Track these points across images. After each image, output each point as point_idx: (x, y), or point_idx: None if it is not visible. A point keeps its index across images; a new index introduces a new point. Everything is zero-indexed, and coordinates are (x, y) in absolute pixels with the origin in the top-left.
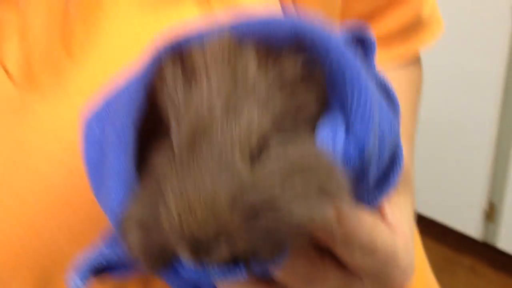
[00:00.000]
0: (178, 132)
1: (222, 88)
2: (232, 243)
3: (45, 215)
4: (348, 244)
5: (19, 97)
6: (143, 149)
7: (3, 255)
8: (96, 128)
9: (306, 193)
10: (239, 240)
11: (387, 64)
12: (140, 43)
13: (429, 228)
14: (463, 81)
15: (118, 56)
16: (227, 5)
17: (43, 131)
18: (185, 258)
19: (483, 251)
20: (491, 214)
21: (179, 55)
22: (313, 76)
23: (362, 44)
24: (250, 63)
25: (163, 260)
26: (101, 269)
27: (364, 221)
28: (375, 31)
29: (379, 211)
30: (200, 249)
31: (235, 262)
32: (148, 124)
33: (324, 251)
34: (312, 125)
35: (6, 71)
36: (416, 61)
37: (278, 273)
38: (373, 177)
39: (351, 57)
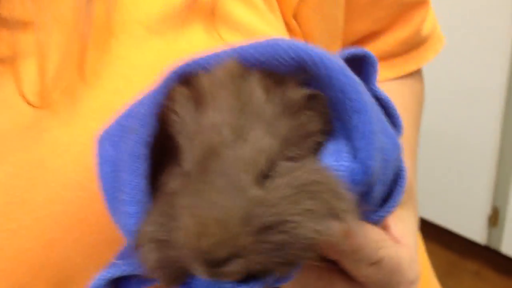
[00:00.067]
0: (188, 153)
1: (229, 112)
2: (245, 259)
3: (60, 232)
4: (355, 257)
5: (34, 117)
6: (154, 167)
7: (19, 269)
8: (109, 147)
9: (314, 211)
10: (252, 256)
11: (389, 79)
12: (150, 67)
13: (433, 233)
14: (466, 88)
15: (129, 80)
16: (234, 29)
17: (58, 152)
18: (200, 274)
19: (487, 256)
20: (495, 219)
21: (187, 79)
22: (317, 99)
23: (364, 62)
24: (255, 87)
25: (178, 275)
26: (116, 283)
27: (370, 235)
28: (376, 48)
29: (384, 225)
30: (214, 265)
31: (248, 277)
32: (159, 143)
33: (330, 263)
34: (317, 147)
35: (22, 93)
36: (417, 75)
37: (287, 286)
38: (378, 194)
39: (354, 82)
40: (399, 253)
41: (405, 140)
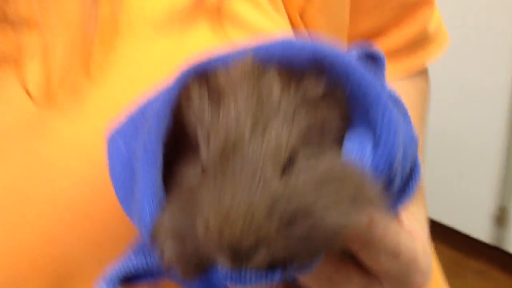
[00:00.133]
0: (208, 147)
1: (249, 107)
2: (270, 250)
3: (62, 226)
4: (376, 249)
5: (38, 114)
6: (169, 163)
7: (20, 263)
8: (121, 144)
9: (339, 201)
10: (277, 247)
11: (394, 76)
12: (155, 66)
13: (439, 232)
14: (472, 87)
15: (135, 78)
16: (240, 28)
17: (62, 147)
18: (224, 265)
19: (493, 255)
20: (501, 218)
21: (204, 77)
22: (334, 95)
23: (372, 60)
24: (274, 83)
25: (197, 268)
26: (128, 278)
27: (390, 227)
28: (382, 46)
29: (397, 218)
30: (239, 256)
31: (271, 267)
32: (173, 139)
33: (346, 256)
34: (337, 140)
35: (27, 92)
36: (423, 73)
37: (303, 278)
38: (396, 186)
39: (370, 78)
40: (415, 246)
41: None
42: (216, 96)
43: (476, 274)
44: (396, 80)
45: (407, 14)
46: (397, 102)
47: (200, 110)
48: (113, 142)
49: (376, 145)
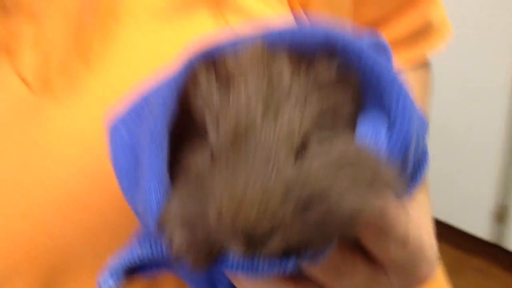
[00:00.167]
0: (217, 132)
1: (259, 91)
2: (285, 236)
3: (57, 215)
4: (385, 236)
5: (34, 102)
6: (173, 151)
7: (14, 254)
8: (125, 133)
9: (354, 186)
10: (292, 233)
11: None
12: (155, 53)
13: (438, 229)
14: (472, 84)
15: (133, 65)
16: (240, 15)
17: (58, 135)
18: (237, 252)
19: (493, 253)
20: (501, 215)
21: (211, 62)
22: (346, 79)
23: (380, 50)
24: (284, 67)
25: (208, 257)
26: (132, 269)
27: (400, 214)
28: (384, 36)
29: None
30: (253, 242)
31: (284, 255)
32: (177, 127)
33: (353, 245)
34: (349, 124)
35: (23, 79)
36: (425, 65)
37: (310, 267)
38: (408, 173)
39: (383, 62)
40: (422, 235)
41: None
42: (224, 81)
43: (476, 272)
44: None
45: (410, 4)
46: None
47: (208, 95)
48: (115, 131)
49: (390, 129)
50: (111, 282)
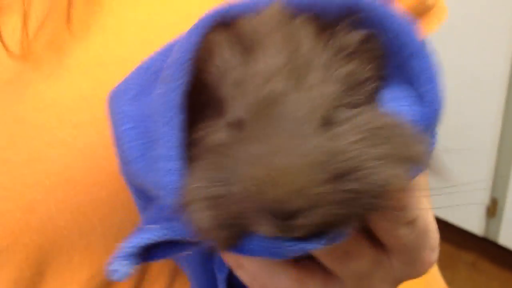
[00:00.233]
0: (238, 102)
1: (282, 57)
2: (318, 213)
3: (42, 193)
4: (398, 213)
5: (17, 71)
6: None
7: None
8: (128, 103)
9: (389, 155)
10: (325, 209)
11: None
12: (141, 21)
13: None
14: (467, 78)
15: (119, 33)
16: None
17: (42, 107)
18: (265, 229)
19: (484, 247)
20: (493, 210)
21: (226, 25)
22: (369, 44)
23: None
24: (306, 31)
25: (234, 236)
26: (145, 252)
27: (415, 193)
28: None
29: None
30: (285, 218)
31: (313, 235)
32: (188, 97)
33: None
34: (373, 92)
35: (4, 45)
36: None
37: (319, 251)
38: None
39: (407, 25)
40: (429, 218)
41: None
42: (243, 46)
43: (468, 266)
44: None
45: None
46: None
47: (225, 61)
48: (117, 102)
49: (418, 100)
50: (124, 268)
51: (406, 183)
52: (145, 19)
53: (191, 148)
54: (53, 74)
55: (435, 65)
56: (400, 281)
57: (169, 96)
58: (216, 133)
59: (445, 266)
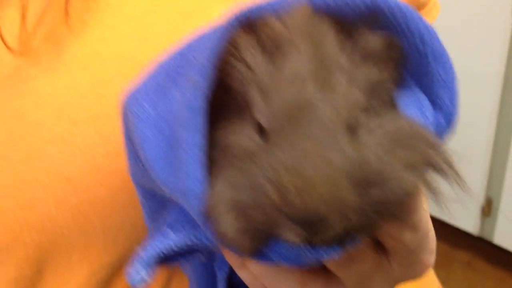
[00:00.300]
0: (268, 107)
1: (310, 61)
2: (345, 222)
3: (41, 190)
4: (407, 219)
5: (15, 66)
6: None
7: None
8: (147, 106)
9: (414, 163)
10: (352, 218)
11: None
12: (139, 16)
13: None
14: (461, 78)
15: (117, 28)
16: None
17: (40, 103)
18: (293, 238)
19: (479, 246)
20: (488, 209)
21: (251, 25)
22: (391, 48)
23: None
24: (331, 35)
25: (259, 242)
26: (165, 258)
27: (422, 198)
28: None
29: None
30: (311, 228)
31: (336, 241)
32: (211, 100)
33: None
34: (392, 98)
35: (1, 36)
36: None
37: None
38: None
39: (432, 30)
40: (428, 218)
41: None
42: (271, 48)
43: (463, 265)
44: None
45: None
46: None
47: (252, 64)
48: (135, 104)
49: (433, 106)
50: (143, 273)
51: (422, 190)
52: (142, 14)
53: (214, 152)
54: (51, 70)
55: (454, 71)
56: (399, 282)
57: (193, 101)
58: (241, 138)
59: (440, 265)
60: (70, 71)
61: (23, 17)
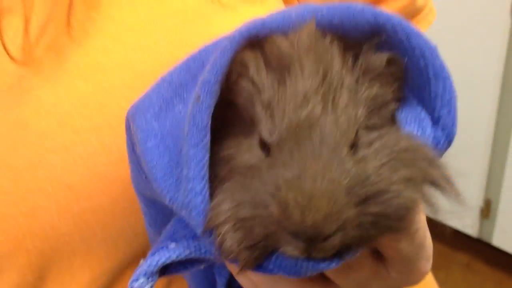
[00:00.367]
0: (273, 124)
1: (315, 79)
2: (345, 235)
3: (44, 199)
4: (405, 230)
5: (18, 76)
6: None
7: (0, 238)
8: (152, 120)
9: (412, 179)
10: (352, 229)
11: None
12: (141, 26)
13: None
14: (460, 79)
15: (118, 38)
16: None
17: (43, 112)
18: (293, 251)
19: (478, 248)
20: (487, 211)
21: (257, 43)
22: (392, 65)
23: None
24: (335, 52)
25: (260, 256)
26: (165, 267)
27: (420, 209)
28: None
29: None
30: (313, 242)
31: (337, 252)
32: (216, 115)
33: None
34: (393, 115)
35: (4, 46)
36: None
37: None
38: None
39: (433, 47)
40: (425, 227)
41: None
42: (273, 67)
43: (462, 267)
44: None
45: None
46: None
47: (259, 81)
48: (142, 118)
49: (432, 122)
50: (145, 284)
51: (421, 204)
52: (143, 24)
53: (217, 166)
54: (53, 79)
55: (454, 88)
56: None
57: (198, 118)
58: (245, 153)
59: (439, 267)
60: (72, 80)
61: (26, 27)
